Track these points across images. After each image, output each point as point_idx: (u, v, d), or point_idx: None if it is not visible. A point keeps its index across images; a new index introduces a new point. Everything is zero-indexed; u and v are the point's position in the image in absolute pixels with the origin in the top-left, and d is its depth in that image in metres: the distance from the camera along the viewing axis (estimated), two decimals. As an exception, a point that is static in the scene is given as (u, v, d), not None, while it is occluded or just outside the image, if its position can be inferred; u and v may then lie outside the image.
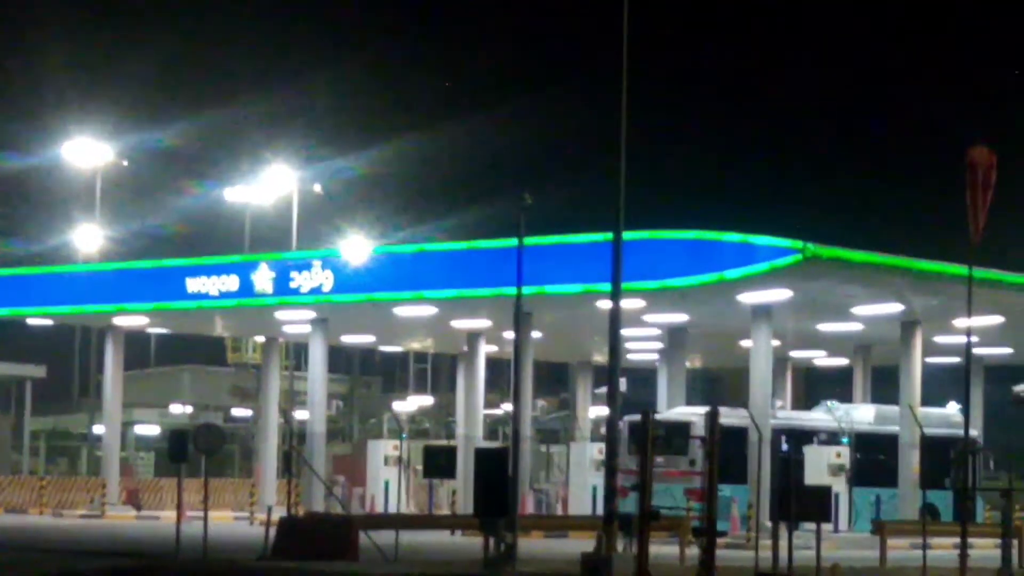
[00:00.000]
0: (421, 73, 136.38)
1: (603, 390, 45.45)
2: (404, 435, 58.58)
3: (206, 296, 50.27)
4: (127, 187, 67.35)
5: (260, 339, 56.87)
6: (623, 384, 37.93)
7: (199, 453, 36.19)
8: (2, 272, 57.49)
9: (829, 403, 52.20)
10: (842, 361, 58.28)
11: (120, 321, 55.59)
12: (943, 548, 29.70)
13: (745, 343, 45.18)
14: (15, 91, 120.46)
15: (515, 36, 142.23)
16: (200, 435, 36.91)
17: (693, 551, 28.04)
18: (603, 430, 40.17)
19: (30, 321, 59.25)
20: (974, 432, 44.34)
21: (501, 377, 54.40)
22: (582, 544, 31.10)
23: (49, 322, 60.64)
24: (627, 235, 33.03)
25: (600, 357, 49.76)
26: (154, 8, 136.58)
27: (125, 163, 65.44)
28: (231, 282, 49.32)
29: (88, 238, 63.03)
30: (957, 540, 28.50)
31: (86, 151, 63.21)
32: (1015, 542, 26.24)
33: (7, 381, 74.78)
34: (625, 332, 37.02)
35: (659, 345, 48.37)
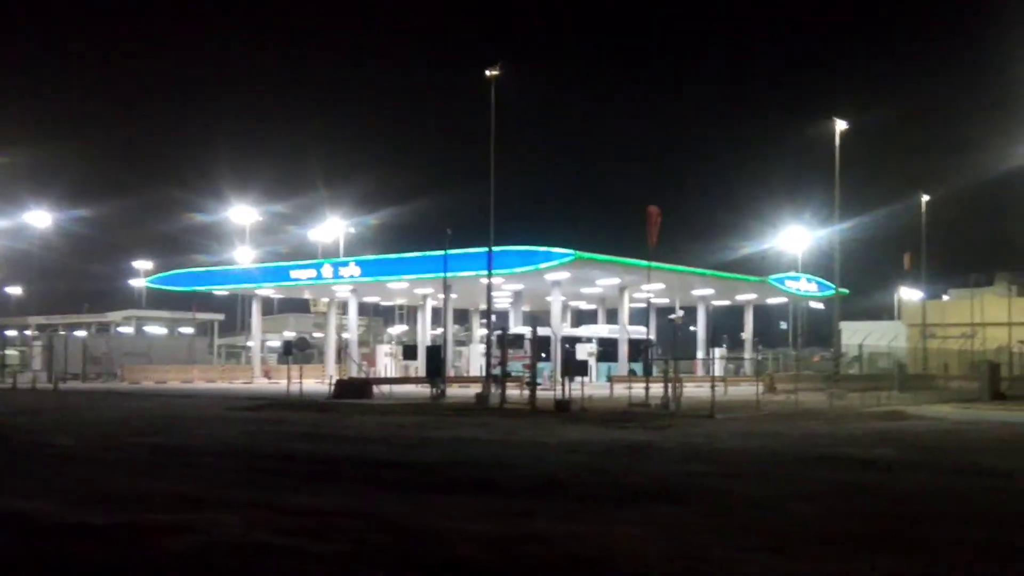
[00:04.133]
0: (403, 170, 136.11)
1: (484, 321, 45.56)
2: (393, 343, 58.67)
3: (300, 280, 49.98)
4: (262, 229, 66.31)
5: (325, 300, 56.36)
6: (494, 317, 38.00)
7: (298, 352, 36.15)
8: (202, 270, 56.74)
9: (586, 325, 52.98)
10: (593, 306, 58.72)
11: (259, 292, 54.94)
12: (638, 388, 30.09)
13: (549, 298, 45.44)
14: (223, 176, 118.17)
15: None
16: (297, 344, 37.23)
17: (526, 392, 28.33)
18: (484, 339, 40.24)
19: (216, 292, 58.48)
20: (651, 336, 45.18)
21: (437, 315, 54.12)
22: (476, 389, 31.37)
23: (225, 293, 59.81)
24: (496, 248, 33.38)
25: (483, 305, 49.66)
26: (276, 125, 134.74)
27: (261, 218, 64.44)
28: (311, 273, 49.03)
29: (243, 254, 62.26)
30: (644, 385, 29.14)
31: (242, 213, 62.39)
32: (670, 386, 26.60)
33: (206, 322, 73.89)
34: (494, 294, 37.14)
35: (510, 299, 48.49)
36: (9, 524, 8.53)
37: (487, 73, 30.87)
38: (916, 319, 58.19)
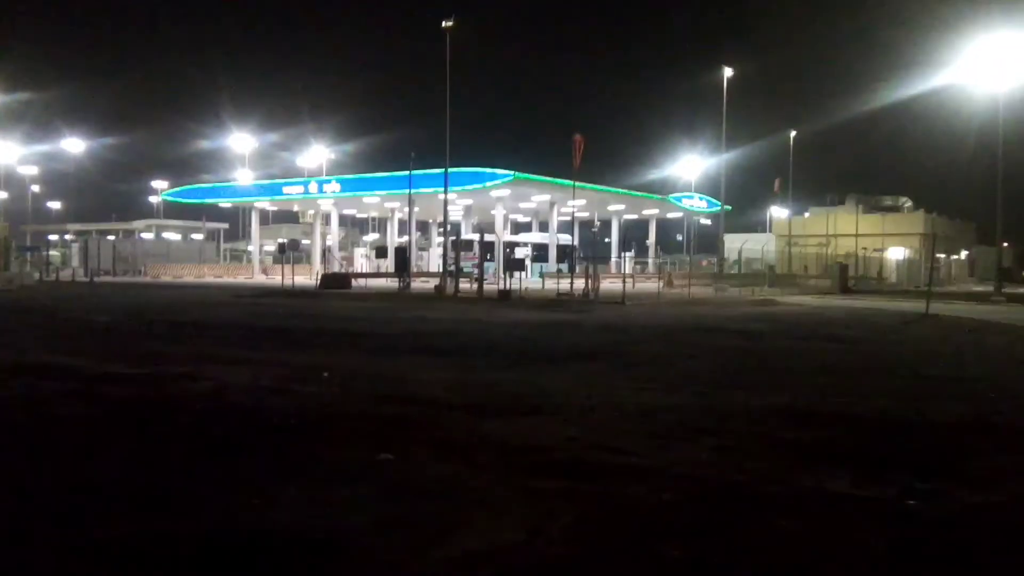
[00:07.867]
0: (377, 105, 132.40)
1: (442, 229, 45.10)
2: (367, 247, 57.95)
3: (291, 195, 48.88)
4: (258, 155, 64.34)
5: (311, 212, 55.26)
6: (449, 227, 37.71)
7: (290, 251, 35.62)
8: (209, 186, 55.20)
9: (523, 233, 52.77)
10: (528, 218, 58.24)
11: (257, 205, 53.80)
12: (565, 283, 30.16)
13: (493, 211, 45.16)
14: (226, 109, 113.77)
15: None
16: (289, 244, 36.40)
17: (475, 285, 28.35)
18: (441, 244, 39.92)
19: (221, 204, 57.07)
20: (575, 243, 45.24)
21: (403, 228, 53.45)
22: (435, 283, 31.25)
23: (229, 205, 58.55)
24: (451, 169, 32.88)
25: (440, 217, 49.21)
26: (272, 67, 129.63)
27: (257, 145, 62.45)
28: (300, 189, 48.03)
29: (243, 175, 60.46)
30: (569, 280, 29.25)
31: (242, 140, 60.34)
32: (590, 280, 26.71)
33: (214, 230, 72.44)
34: (449, 207, 36.61)
35: (462, 212, 47.98)
36: (58, 372, 8.47)
37: (443, 24, 30.09)
38: (784, 231, 59.23)
